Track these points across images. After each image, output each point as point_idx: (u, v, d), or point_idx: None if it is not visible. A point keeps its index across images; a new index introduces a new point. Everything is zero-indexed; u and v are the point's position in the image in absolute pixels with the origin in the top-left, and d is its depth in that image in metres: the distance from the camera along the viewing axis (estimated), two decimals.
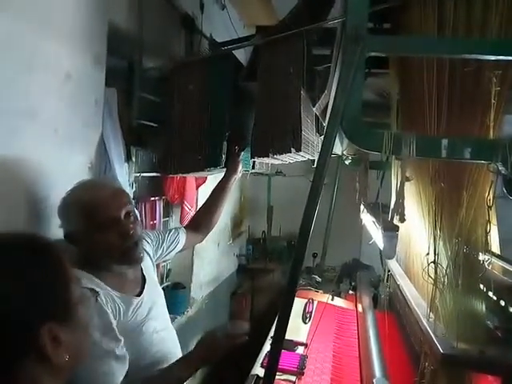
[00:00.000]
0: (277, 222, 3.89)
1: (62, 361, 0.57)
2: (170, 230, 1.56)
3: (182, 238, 1.56)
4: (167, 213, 2.22)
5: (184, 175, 1.83)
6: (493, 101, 1.16)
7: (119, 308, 1.12)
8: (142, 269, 1.30)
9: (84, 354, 0.65)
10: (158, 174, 1.88)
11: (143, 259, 1.26)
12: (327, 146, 1.09)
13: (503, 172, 1.07)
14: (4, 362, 0.53)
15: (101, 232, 1.13)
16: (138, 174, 1.76)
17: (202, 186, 2.26)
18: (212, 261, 2.94)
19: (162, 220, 2.09)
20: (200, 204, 2.21)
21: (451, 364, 1.10)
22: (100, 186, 1.23)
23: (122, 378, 1.07)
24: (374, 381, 1.26)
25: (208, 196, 1.70)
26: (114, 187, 1.26)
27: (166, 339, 1.27)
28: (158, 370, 1.16)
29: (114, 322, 1.08)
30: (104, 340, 1.04)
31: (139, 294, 1.22)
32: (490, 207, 1.14)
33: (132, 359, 1.10)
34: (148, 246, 1.42)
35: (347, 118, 1.08)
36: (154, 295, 1.30)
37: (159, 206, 2.05)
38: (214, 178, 2.25)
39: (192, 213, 2.19)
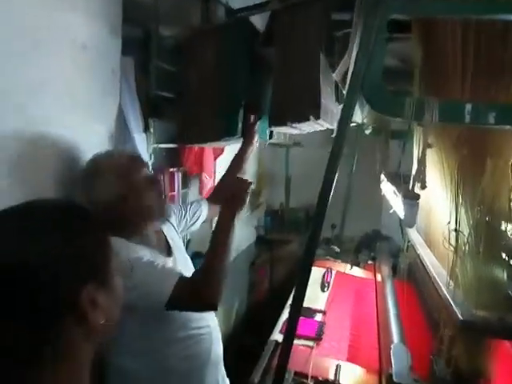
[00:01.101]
0: (295, 193, 3.89)
1: (98, 323, 0.58)
2: (193, 203, 1.61)
3: (205, 209, 1.62)
4: (186, 184, 2.24)
5: (201, 145, 1.82)
6: None
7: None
8: (166, 237, 1.35)
9: (116, 320, 0.66)
10: (176, 145, 1.89)
11: (167, 229, 1.32)
12: (347, 113, 1.07)
13: None
14: (44, 321, 0.54)
15: (133, 193, 1.18)
16: (156, 145, 1.77)
17: (220, 157, 2.26)
18: None
19: (180, 191, 2.11)
20: (218, 175, 2.24)
21: (470, 330, 1.10)
22: (119, 153, 1.27)
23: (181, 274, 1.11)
24: (392, 346, 1.27)
25: (227, 167, 1.71)
26: (131, 154, 1.30)
27: None
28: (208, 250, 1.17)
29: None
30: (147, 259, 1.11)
31: (169, 256, 1.29)
32: None
33: (165, 323, 1.16)
34: (173, 218, 1.47)
35: (368, 83, 1.05)
36: (183, 259, 1.36)
37: (178, 177, 2.06)
38: (231, 149, 2.25)
39: (211, 184, 2.20)
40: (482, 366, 1.19)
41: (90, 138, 1.33)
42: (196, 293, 1.08)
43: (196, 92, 1.65)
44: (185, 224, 1.55)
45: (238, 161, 1.69)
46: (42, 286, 0.53)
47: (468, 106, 1.04)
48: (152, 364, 1.19)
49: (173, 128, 1.80)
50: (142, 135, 1.62)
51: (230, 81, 1.58)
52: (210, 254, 1.14)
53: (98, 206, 1.16)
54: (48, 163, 1.17)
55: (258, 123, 1.66)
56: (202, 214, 1.61)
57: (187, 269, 1.36)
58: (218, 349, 1.35)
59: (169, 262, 1.24)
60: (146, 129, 1.69)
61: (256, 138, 1.67)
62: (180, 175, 2.09)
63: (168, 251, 1.32)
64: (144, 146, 1.62)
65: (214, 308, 1.12)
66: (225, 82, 1.58)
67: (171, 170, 2.00)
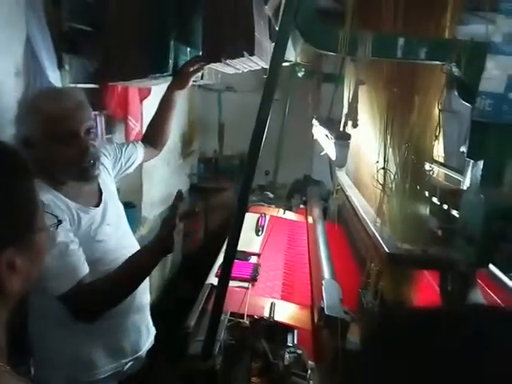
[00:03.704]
0: (229, 140, 3.82)
1: (15, 289, 0.53)
2: (128, 144, 1.52)
3: (140, 151, 1.54)
4: (110, 130, 2.08)
5: (125, 83, 1.68)
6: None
7: (76, 217, 1.14)
8: (98, 183, 1.28)
9: (34, 280, 0.59)
10: (96, 85, 1.72)
11: (100, 176, 1.24)
12: (281, 46, 1.01)
13: (456, 74, 1.05)
14: None
15: (60, 145, 1.10)
16: (73, 85, 1.60)
17: (147, 100, 2.12)
18: (162, 180, 2.87)
19: (104, 137, 1.96)
20: (145, 119, 2.11)
21: (396, 262, 1.16)
22: (65, 96, 1.16)
23: (85, 271, 1.10)
24: (323, 282, 1.32)
25: (155, 111, 1.59)
26: (78, 100, 1.17)
27: (127, 249, 1.27)
28: (119, 267, 1.16)
29: (69, 228, 1.10)
30: (64, 249, 1.06)
31: (97, 205, 1.24)
32: (440, 110, 1.14)
33: (92, 266, 1.12)
34: (106, 160, 1.38)
35: (302, 14, 1.00)
36: (114, 207, 1.31)
37: (100, 122, 1.90)
38: (159, 90, 2.11)
39: (137, 129, 2.08)
40: (406, 297, 1.28)
41: None
42: (90, 303, 1.09)
43: (117, 23, 1.48)
44: (120, 167, 1.47)
45: (166, 104, 1.56)
46: None
47: (400, 41, 1.03)
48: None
49: (91, 65, 1.63)
50: (56, 72, 1.45)
51: (157, 9, 1.42)
52: (120, 272, 1.13)
53: (29, 144, 1.09)
54: None
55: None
56: (138, 157, 1.54)
57: (119, 216, 1.34)
58: (142, 297, 1.35)
59: (91, 213, 1.20)
60: (61, 66, 1.52)
61: (190, 82, 1.54)
62: (103, 119, 1.93)
63: (99, 199, 1.26)
64: (59, 84, 1.46)
65: (89, 320, 1.12)
66: (150, 10, 1.42)
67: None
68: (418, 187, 1.29)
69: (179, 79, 1.51)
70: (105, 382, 1.27)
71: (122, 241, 1.31)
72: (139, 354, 1.35)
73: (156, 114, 1.59)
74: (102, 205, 1.25)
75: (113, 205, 1.32)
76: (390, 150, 1.27)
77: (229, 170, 3.82)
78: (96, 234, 1.20)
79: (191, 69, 1.48)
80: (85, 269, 1.11)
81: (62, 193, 1.14)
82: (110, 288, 1.12)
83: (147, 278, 1.30)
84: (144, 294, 1.36)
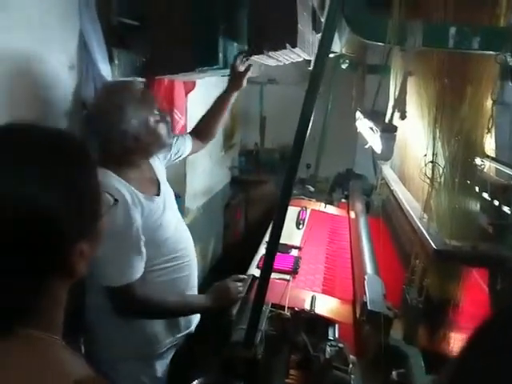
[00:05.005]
0: (270, 133, 3.81)
1: (82, 273, 0.57)
2: (178, 137, 1.59)
3: (189, 144, 1.62)
4: None
5: (172, 77, 1.71)
6: None
7: (143, 207, 1.21)
8: (155, 172, 1.38)
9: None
10: (144, 80, 1.77)
11: (154, 165, 1.38)
12: (327, 37, 1.00)
13: (511, 64, 1.01)
14: (33, 277, 0.52)
15: (147, 130, 1.22)
16: (122, 79, 1.65)
17: (192, 93, 2.15)
18: (205, 171, 2.92)
19: None
20: (190, 112, 2.14)
21: (443, 259, 1.13)
22: (132, 86, 1.29)
23: (139, 274, 1.18)
24: (366, 277, 1.30)
25: (210, 107, 1.66)
26: (143, 88, 1.32)
27: (182, 233, 1.41)
28: (175, 296, 1.31)
29: (140, 222, 1.18)
30: (128, 237, 1.15)
31: (158, 194, 1.33)
32: (494, 102, 1.09)
33: (151, 253, 1.22)
34: None
35: (350, 4, 0.99)
36: (169, 195, 1.40)
37: None
38: (203, 84, 2.14)
39: (182, 122, 2.11)
40: (452, 294, 1.24)
41: (48, 67, 1.23)
42: (135, 308, 1.20)
43: (164, 18, 1.51)
44: (169, 158, 1.55)
45: (221, 103, 1.64)
46: (35, 245, 0.50)
47: (452, 30, 0.99)
48: None
49: (139, 59, 1.67)
50: (107, 66, 1.50)
51: (204, 2, 1.44)
52: (172, 304, 1.28)
53: (104, 139, 1.20)
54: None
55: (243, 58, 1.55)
56: (186, 150, 1.62)
57: (173, 203, 1.42)
58: (194, 280, 1.45)
59: (155, 201, 1.28)
60: (111, 60, 1.56)
61: (245, 82, 1.57)
62: None
63: (158, 188, 1.35)
64: (109, 78, 1.51)
65: (123, 317, 1.24)
66: (198, 4, 1.44)
67: None
68: (468, 182, 1.25)
69: (234, 81, 1.57)
70: (161, 357, 1.36)
71: (178, 226, 1.40)
72: (190, 329, 1.44)
73: (210, 110, 1.66)
74: (161, 193, 1.34)
75: (169, 192, 1.40)
76: (439, 143, 1.23)
77: (269, 162, 3.81)
78: (159, 221, 1.27)
79: (241, 67, 1.52)
80: (141, 270, 1.19)
81: (131, 183, 1.21)
82: (157, 309, 1.24)
83: (196, 264, 1.45)
84: (194, 277, 1.46)
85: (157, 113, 1.27)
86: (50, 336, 0.54)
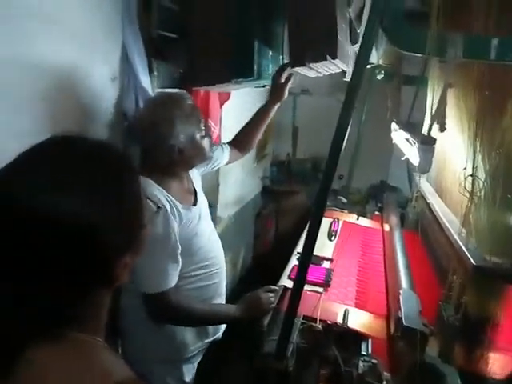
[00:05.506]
0: (302, 143, 3.81)
1: (125, 280, 0.59)
2: (217, 147, 1.61)
3: (226, 153, 1.64)
4: None
5: (209, 88, 1.75)
6: None
7: (181, 217, 1.24)
8: (192, 182, 1.41)
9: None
10: (181, 90, 1.81)
11: (193, 175, 1.42)
12: (366, 49, 1.00)
13: None
14: (82, 288, 0.55)
15: (193, 144, 1.26)
16: (161, 90, 1.70)
17: (226, 104, 2.18)
18: (237, 181, 2.94)
19: None
20: (224, 123, 2.18)
21: (483, 276, 1.09)
22: (180, 97, 1.31)
23: (174, 283, 1.21)
24: (401, 291, 1.27)
25: (250, 118, 1.69)
26: (191, 101, 1.33)
27: (213, 242, 1.43)
28: (207, 305, 1.35)
29: (177, 230, 1.21)
30: (166, 245, 1.18)
31: (195, 204, 1.35)
32: None
33: (185, 261, 1.24)
34: None
35: (389, 16, 0.98)
36: (204, 205, 1.43)
37: None
38: (238, 95, 2.17)
39: (217, 132, 2.15)
40: (491, 313, 1.19)
41: (91, 81, 1.27)
42: (167, 314, 1.22)
43: (202, 31, 1.55)
44: (206, 167, 1.57)
45: (262, 115, 1.66)
46: (83, 257, 0.52)
47: (494, 41, 0.97)
48: None
49: (177, 71, 1.72)
50: (147, 77, 1.55)
51: (240, 15, 1.47)
52: (202, 313, 1.29)
53: (149, 150, 1.24)
54: (44, 105, 1.11)
55: (270, 65, 1.57)
56: (223, 160, 1.64)
57: (206, 215, 1.43)
58: (222, 288, 1.47)
59: (192, 211, 1.30)
60: (150, 72, 1.61)
61: (286, 94, 1.59)
62: None
63: (195, 198, 1.38)
64: (150, 89, 1.55)
65: (156, 322, 1.27)
66: (234, 16, 1.47)
67: None
68: (509, 196, 1.20)
69: (276, 92, 1.58)
70: (188, 361, 1.38)
71: (211, 235, 1.43)
72: (217, 335, 1.46)
73: (251, 121, 1.69)
74: (198, 203, 1.36)
75: (204, 202, 1.43)
76: (480, 156, 1.20)
77: (301, 173, 3.80)
78: (195, 230, 1.30)
79: (283, 79, 1.52)
80: (176, 278, 1.21)
81: (171, 193, 1.24)
82: (190, 317, 1.26)
83: (225, 272, 1.47)
84: (224, 284, 1.48)
85: (203, 128, 1.30)
86: (94, 338, 0.57)
